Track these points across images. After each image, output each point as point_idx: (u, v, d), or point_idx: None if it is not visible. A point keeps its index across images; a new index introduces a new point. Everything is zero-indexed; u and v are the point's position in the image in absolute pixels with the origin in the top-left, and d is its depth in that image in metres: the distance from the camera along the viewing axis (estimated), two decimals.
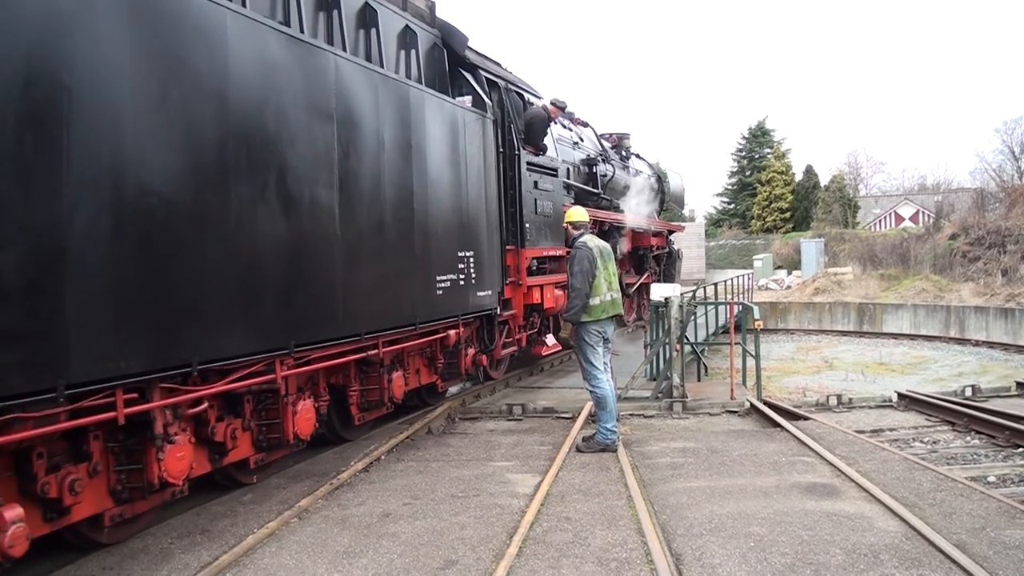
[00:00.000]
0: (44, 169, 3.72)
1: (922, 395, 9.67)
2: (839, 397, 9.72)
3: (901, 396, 9.79)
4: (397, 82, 7.02)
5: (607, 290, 6.99)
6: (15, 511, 3.68)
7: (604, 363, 7.06)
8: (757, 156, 54.35)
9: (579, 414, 8.04)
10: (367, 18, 6.95)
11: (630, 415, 8.31)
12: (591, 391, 7.05)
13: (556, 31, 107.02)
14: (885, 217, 56.25)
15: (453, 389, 9.62)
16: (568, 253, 9.54)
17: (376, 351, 6.60)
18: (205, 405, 4.98)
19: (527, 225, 9.45)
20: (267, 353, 5.25)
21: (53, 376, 3.73)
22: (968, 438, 8.04)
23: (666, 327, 9.29)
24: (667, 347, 9.19)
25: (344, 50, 6.31)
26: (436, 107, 7.57)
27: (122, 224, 4.14)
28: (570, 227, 7.43)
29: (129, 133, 4.21)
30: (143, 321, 4.26)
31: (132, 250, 4.21)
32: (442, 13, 8.47)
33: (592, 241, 7.14)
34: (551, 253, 10.23)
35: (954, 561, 4.15)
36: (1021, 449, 7.44)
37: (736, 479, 5.87)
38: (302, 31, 5.83)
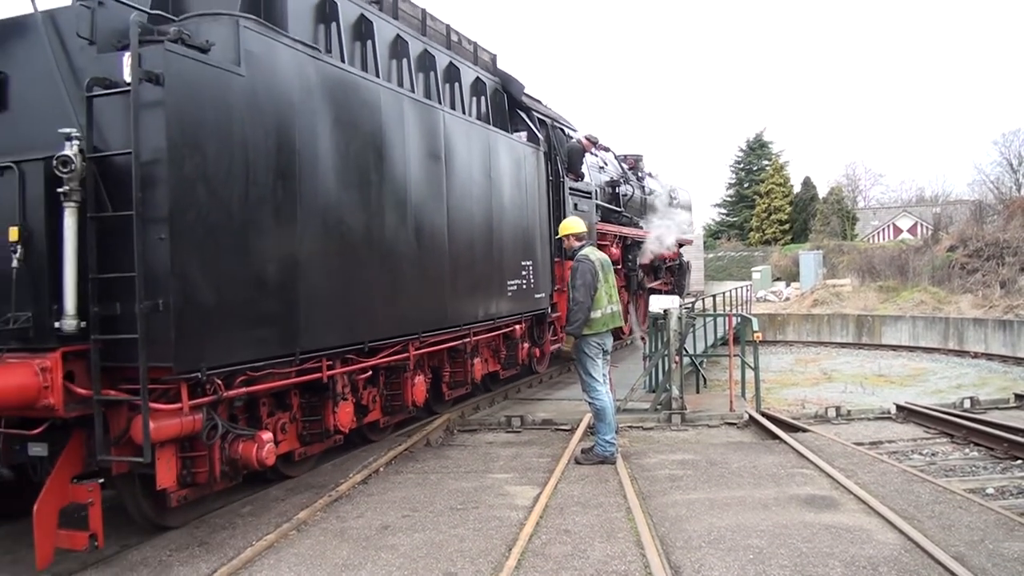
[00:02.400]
0: (287, 207, 5.46)
1: (921, 407, 9.66)
2: (838, 409, 9.70)
3: (900, 408, 9.78)
4: (480, 127, 8.77)
5: (608, 303, 7.00)
6: (269, 435, 5.36)
7: (603, 375, 7.07)
8: (755, 168, 54.54)
9: (578, 426, 8.04)
10: (452, 74, 8.66)
11: (629, 427, 8.30)
12: (590, 403, 7.05)
13: (554, 43, 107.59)
14: (883, 229, 56.35)
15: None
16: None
17: (468, 340, 8.38)
18: (369, 373, 6.78)
19: None
20: (403, 337, 7.02)
21: (292, 346, 5.50)
22: (967, 450, 8.04)
23: (665, 339, 9.30)
24: (666, 359, 9.20)
25: (440, 102, 8.06)
26: (506, 145, 9.37)
27: (326, 244, 5.88)
28: (572, 239, 7.26)
29: (328, 180, 5.92)
30: (337, 311, 6.01)
31: (332, 262, 5.94)
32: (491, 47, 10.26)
33: (593, 254, 7.14)
34: None
35: (953, 574, 4.15)
36: (1020, 461, 7.43)
37: (735, 491, 5.87)
38: (413, 90, 7.57)
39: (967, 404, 10.00)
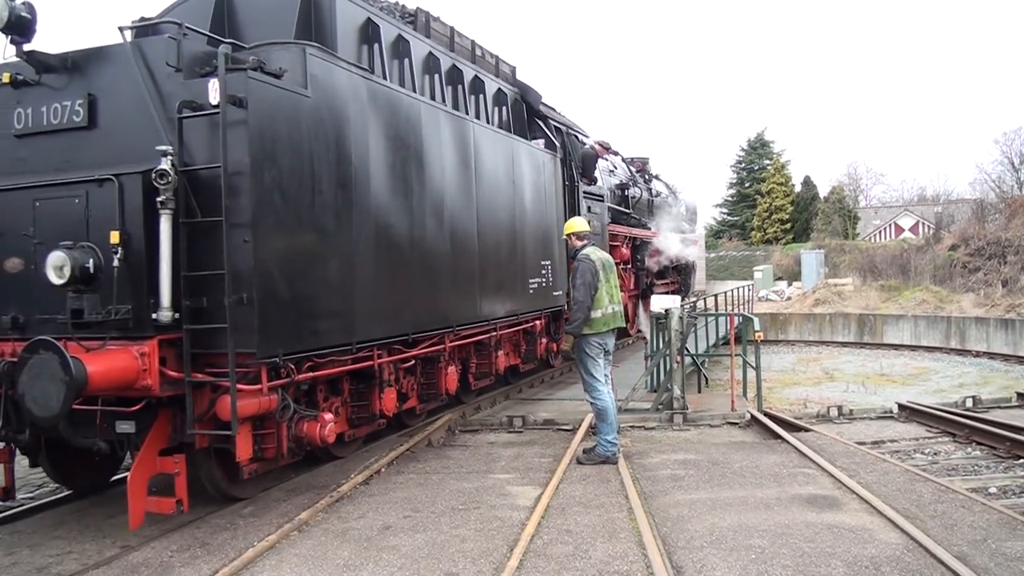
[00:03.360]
0: (345, 212, 6.07)
1: (923, 406, 9.65)
2: (840, 408, 9.69)
3: (902, 407, 9.77)
4: (504, 136, 9.42)
5: (608, 302, 6.99)
6: (330, 415, 6.07)
7: (605, 375, 7.06)
8: (757, 167, 54.49)
9: (580, 426, 8.03)
10: (477, 86, 9.28)
11: (631, 427, 8.29)
12: (592, 403, 7.04)
13: (555, 41, 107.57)
14: (885, 228, 56.30)
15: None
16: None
17: (494, 334, 9.08)
18: (412, 362, 7.43)
19: None
20: (440, 330, 7.63)
21: (349, 337, 6.10)
22: (969, 449, 8.02)
23: (666, 339, 9.30)
24: (668, 359, 9.19)
25: (467, 113, 8.69)
26: (527, 153, 10.01)
27: (376, 246, 6.50)
28: (573, 238, 7.26)
29: (378, 187, 6.55)
30: (385, 306, 6.63)
31: (382, 262, 6.58)
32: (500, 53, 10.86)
33: (595, 253, 7.13)
34: None
35: (956, 573, 4.14)
36: (1022, 460, 7.42)
37: (737, 491, 5.86)
38: (444, 103, 8.20)
39: (969, 403, 9.99)
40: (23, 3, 5.25)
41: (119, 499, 5.48)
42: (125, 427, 5.17)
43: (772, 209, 50.09)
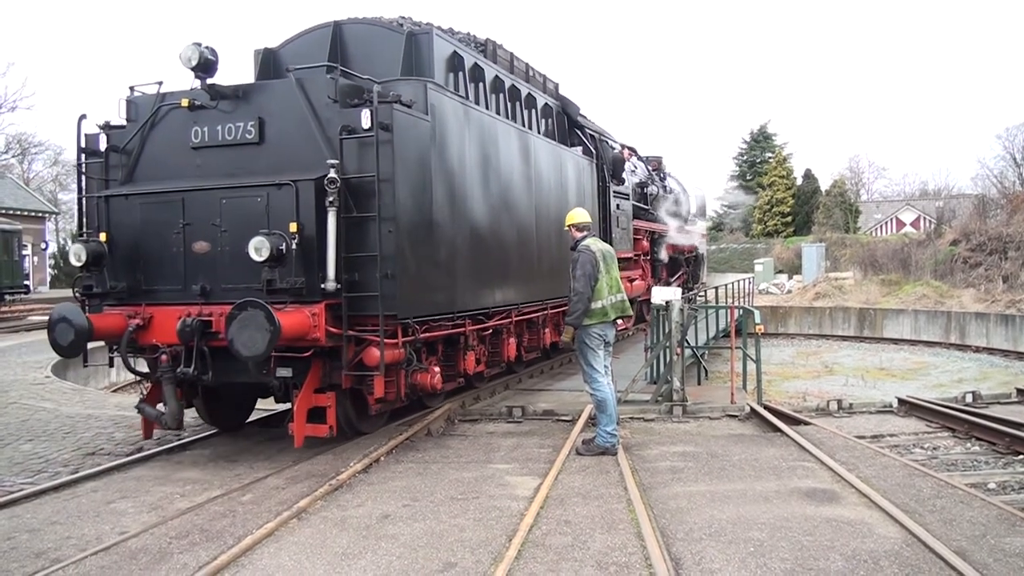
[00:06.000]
0: (451, 210, 7.68)
1: (922, 401, 9.63)
2: (839, 402, 9.68)
3: (901, 402, 9.76)
4: (554, 146, 11.03)
5: (609, 293, 6.97)
6: (438, 368, 7.52)
7: (605, 366, 7.05)
8: (759, 160, 54.36)
9: (579, 417, 8.03)
10: (530, 102, 10.82)
11: (630, 418, 8.29)
12: (591, 394, 7.04)
13: (558, 32, 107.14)
14: (886, 222, 56.24)
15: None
16: (636, 255, 15.77)
17: (544, 312, 10.52)
18: (489, 332, 8.93)
19: (613, 235, 13.40)
20: (508, 306, 9.14)
21: (451, 307, 7.71)
22: (968, 444, 8.01)
23: (667, 330, 9.28)
24: (668, 350, 9.17)
25: (523, 125, 10.23)
26: (570, 159, 11.58)
27: (470, 236, 8.09)
28: (573, 229, 7.28)
29: (471, 190, 8.16)
30: (475, 284, 8.23)
31: (474, 249, 8.16)
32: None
33: (595, 244, 7.11)
34: (626, 255, 14.58)
35: (954, 568, 4.14)
36: (1022, 456, 7.41)
37: (736, 484, 5.86)
38: (507, 117, 9.73)
39: (969, 398, 9.98)
40: (208, 48, 6.74)
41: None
42: (284, 372, 6.59)
43: (773, 202, 49.99)
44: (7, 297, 26.78)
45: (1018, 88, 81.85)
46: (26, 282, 28.42)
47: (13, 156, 50.44)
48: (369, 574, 4.27)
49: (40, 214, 42.46)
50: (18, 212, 37.82)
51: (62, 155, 51.37)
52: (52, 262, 43.80)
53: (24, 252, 29.37)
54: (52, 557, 4.64)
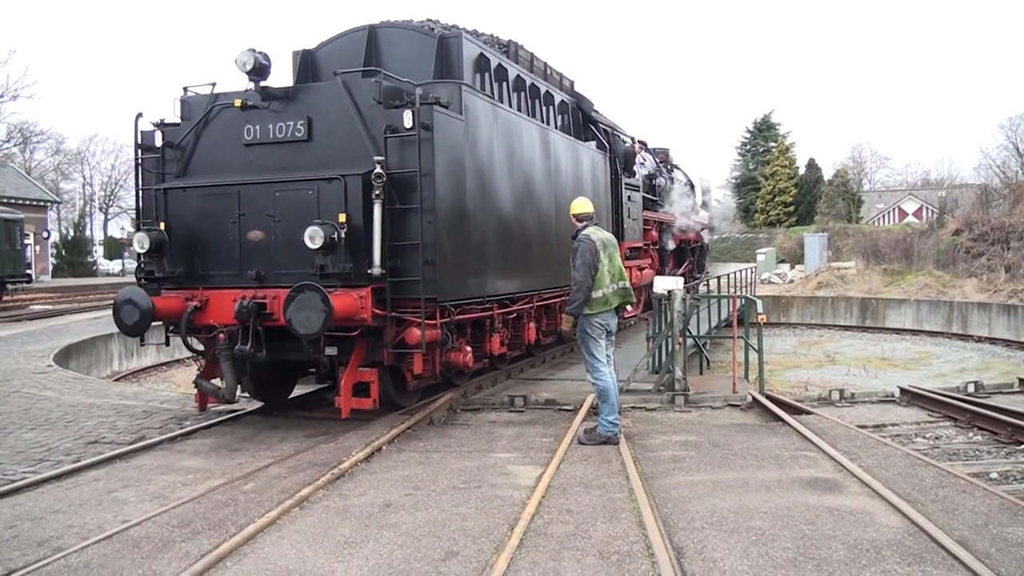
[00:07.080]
0: (482, 202, 8.30)
1: (925, 391, 9.61)
2: (841, 392, 9.66)
3: (903, 391, 9.74)
4: (571, 141, 11.62)
5: (610, 281, 6.95)
6: (469, 348, 8.23)
7: (607, 355, 7.04)
8: (761, 150, 54.22)
9: (581, 406, 8.02)
10: (548, 99, 11.40)
11: (632, 408, 8.28)
12: (593, 383, 7.03)
13: (564, 22, 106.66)
14: (889, 212, 56.10)
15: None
16: (646, 244, 16.50)
17: (562, 298, 10.68)
18: (513, 315, 9.58)
19: (624, 225, 14.17)
20: (530, 292, 9.77)
21: (482, 291, 8.33)
22: (971, 434, 8.00)
23: (669, 320, 9.27)
24: (670, 340, 9.16)
25: (542, 121, 10.76)
26: (586, 153, 12.25)
27: (499, 227, 8.71)
28: (574, 219, 7.30)
29: (500, 183, 8.76)
30: (502, 271, 8.84)
31: (502, 239, 8.76)
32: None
33: (596, 233, 7.08)
34: (636, 245, 15.46)
35: (956, 558, 4.13)
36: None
37: (738, 473, 5.86)
38: (528, 113, 10.33)
39: (971, 388, 9.95)
40: (262, 53, 7.37)
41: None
42: (331, 351, 7.12)
43: (776, 191, 49.89)
44: (9, 286, 26.84)
45: (1021, 78, 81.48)
46: (28, 271, 28.44)
47: (15, 145, 50.51)
48: (371, 563, 4.28)
49: (42, 203, 42.53)
50: (20, 201, 37.91)
51: (63, 144, 51.38)
52: (54, 251, 43.85)
53: (26, 241, 29.41)
54: (54, 546, 4.65)
